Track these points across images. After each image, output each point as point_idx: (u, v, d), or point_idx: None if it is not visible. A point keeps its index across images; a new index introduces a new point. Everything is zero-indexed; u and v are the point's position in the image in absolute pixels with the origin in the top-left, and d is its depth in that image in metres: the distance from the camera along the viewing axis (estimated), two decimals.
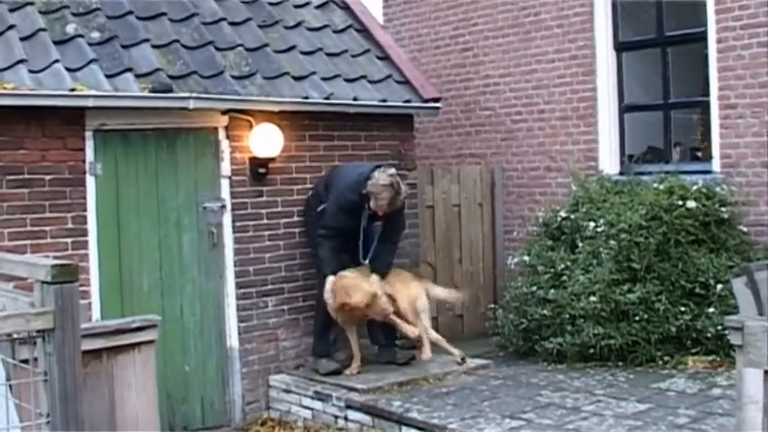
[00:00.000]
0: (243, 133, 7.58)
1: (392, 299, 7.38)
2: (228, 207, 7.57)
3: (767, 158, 7.88)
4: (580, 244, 8.01)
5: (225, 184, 7.57)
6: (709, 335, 7.33)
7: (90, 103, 6.68)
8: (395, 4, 11.27)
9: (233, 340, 7.59)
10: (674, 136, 9.08)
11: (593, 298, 7.47)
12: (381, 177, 7.25)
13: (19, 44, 6.78)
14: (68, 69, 6.76)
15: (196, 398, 7.43)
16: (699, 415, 6.06)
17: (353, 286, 7.18)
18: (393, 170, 7.49)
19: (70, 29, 7.12)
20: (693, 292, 7.50)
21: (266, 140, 7.58)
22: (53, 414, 3.46)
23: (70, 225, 6.78)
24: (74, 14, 7.28)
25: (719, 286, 7.33)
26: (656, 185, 7.94)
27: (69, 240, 6.75)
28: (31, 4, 7.16)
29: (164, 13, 7.71)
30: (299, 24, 8.56)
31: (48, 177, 6.70)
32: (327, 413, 7.16)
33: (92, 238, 6.88)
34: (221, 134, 7.55)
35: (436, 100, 8.72)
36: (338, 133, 8.20)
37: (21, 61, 6.64)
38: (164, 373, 6.48)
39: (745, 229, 7.89)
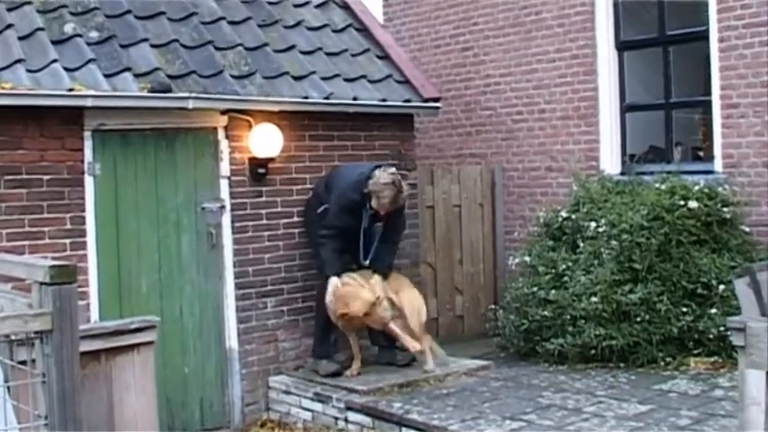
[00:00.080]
0: (242, 133, 7.55)
1: (396, 307, 7.36)
2: (228, 207, 7.54)
3: None
4: (581, 244, 7.98)
5: (224, 184, 7.54)
6: (711, 336, 7.30)
7: (88, 102, 6.65)
8: (395, 3, 11.25)
9: (232, 341, 7.56)
10: (675, 136, 9.06)
11: (594, 299, 7.44)
12: (383, 176, 7.24)
13: (17, 44, 6.75)
14: (67, 69, 6.72)
15: (195, 399, 7.40)
16: (701, 416, 6.04)
17: (352, 295, 7.15)
18: (394, 169, 7.48)
19: (68, 28, 7.09)
20: (695, 292, 7.47)
21: (266, 140, 7.55)
22: (51, 415, 3.44)
23: (69, 225, 6.74)
24: (72, 14, 7.24)
25: (721, 287, 7.31)
26: (657, 185, 7.91)
27: (68, 241, 6.72)
28: (29, 3, 7.13)
29: (162, 13, 7.68)
30: (298, 24, 8.53)
31: (46, 177, 6.66)
32: (327, 415, 7.13)
33: (90, 238, 6.85)
34: (220, 134, 7.52)
35: (436, 99, 8.70)
36: (338, 133, 8.18)
37: (19, 61, 6.61)
38: (163, 374, 6.45)
39: (747, 230, 7.86)
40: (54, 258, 5.95)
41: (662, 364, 7.40)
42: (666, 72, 8.94)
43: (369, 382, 7.22)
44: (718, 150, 8.26)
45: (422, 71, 9.76)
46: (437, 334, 9.04)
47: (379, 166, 7.40)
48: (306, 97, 7.77)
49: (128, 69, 7.01)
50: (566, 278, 7.82)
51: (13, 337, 3.54)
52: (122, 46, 7.21)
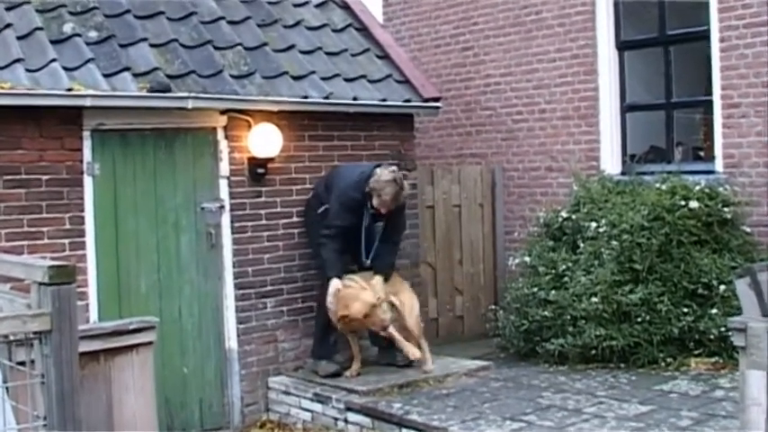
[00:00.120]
0: (242, 133, 7.54)
1: (397, 311, 7.34)
2: (227, 207, 7.53)
3: None
4: (581, 245, 7.97)
5: (223, 184, 7.52)
6: (711, 336, 7.28)
7: (87, 102, 6.63)
8: (395, 2, 11.23)
9: (232, 342, 7.55)
10: (676, 136, 9.05)
11: (594, 299, 7.43)
12: (384, 174, 7.24)
13: (16, 43, 6.74)
14: (66, 69, 6.71)
15: (194, 400, 7.38)
16: (701, 417, 6.02)
17: (352, 297, 7.13)
18: (395, 167, 7.47)
19: (67, 28, 7.07)
20: (696, 293, 7.46)
21: (265, 140, 7.53)
22: (50, 416, 3.43)
23: (67, 226, 6.73)
24: (71, 13, 7.23)
25: (722, 287, 7.30)
26: (658, 185, 7.90)
27: (67, 241, 6.71)
28: (28, 2, 7.11)
29: (162, 12, 7.67)
30: (298, 23, 8.52)
31: (45, 177, 6.65)
32: (327, 415, 7.12)
33: (89, 238, 6.83)
34: (220, 134, 7.51)
35: (436, 99, 8.68)
36: (338, 133, 8.16)
37: (17, 60, 6.59)
38: (162, 374, 6.43)
39: (748, 230, 7.85)
40: (53, 258, 5.94)
41: (662, 364, 7.38)
42: (667, 72, 8.93)
43: (368, 383, 7.21)
44: (718, 150, 8.24)
45: (422, 71, 9.75)
46: (437, 334, 9.06)
47: (379, 165, 7.40)
48: (305, 97, 7.75)
49: (127, 69, 6.99)
50: (566, 278, 7.80)
51: (11, 338, 3.53)
52: (121, 45, 7.19)
